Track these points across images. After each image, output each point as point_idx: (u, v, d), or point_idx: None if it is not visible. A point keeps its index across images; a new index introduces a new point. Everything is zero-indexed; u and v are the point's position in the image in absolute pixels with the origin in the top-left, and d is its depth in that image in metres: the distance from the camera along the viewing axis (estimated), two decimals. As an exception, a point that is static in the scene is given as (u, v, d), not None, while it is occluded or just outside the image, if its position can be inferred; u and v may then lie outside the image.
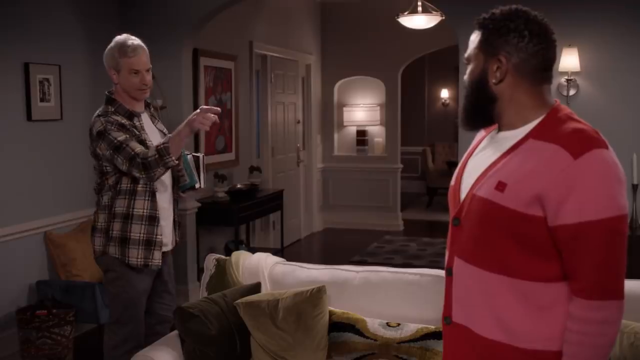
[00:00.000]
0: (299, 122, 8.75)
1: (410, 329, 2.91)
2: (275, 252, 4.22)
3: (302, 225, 8.86)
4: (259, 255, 3.46)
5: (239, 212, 6.12)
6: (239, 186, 6.56)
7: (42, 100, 4.85)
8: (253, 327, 3.04)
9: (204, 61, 6.22)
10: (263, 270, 3.34)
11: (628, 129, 4.91)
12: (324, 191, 9.56)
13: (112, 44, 3.35)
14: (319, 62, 9.35)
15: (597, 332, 1.60)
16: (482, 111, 1.79)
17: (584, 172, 1.58)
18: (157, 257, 3.35)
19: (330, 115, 9.55)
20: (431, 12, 7.15)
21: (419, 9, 7.21)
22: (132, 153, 3.17)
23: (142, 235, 3.29)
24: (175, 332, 3.10)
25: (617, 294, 1.60)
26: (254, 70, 7.49)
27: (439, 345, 2.81)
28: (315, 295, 3.05)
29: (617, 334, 1.64)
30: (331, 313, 3.04)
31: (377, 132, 9.60)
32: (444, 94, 13.32)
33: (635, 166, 4.72)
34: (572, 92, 4.93)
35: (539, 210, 1.62)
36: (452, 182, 1.89)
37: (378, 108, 9.53)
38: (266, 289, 3.28)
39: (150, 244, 3.32)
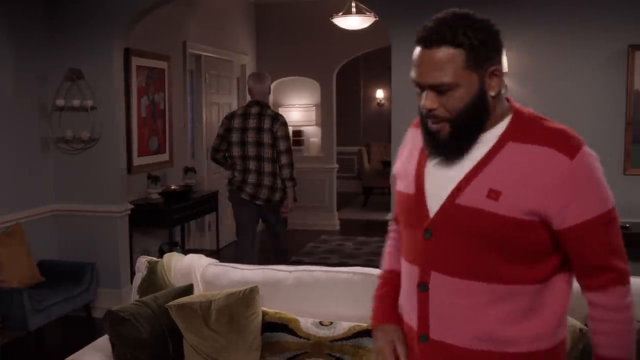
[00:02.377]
0: None
1: (343, 327, 2.93)
2: (211, 254, 4.18)
3: (238, 226, 8.80)
4: (192, 257, 3.43)
5: (173, 214, 6.05)
6: (173, 187, 6.48)
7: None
8: (185, 329, 3.01)
9: (135, 61, 6.13)
10: (195, 271, 3.31)
11: (553, 128, 5.06)
12: (260, 192, 9.52)
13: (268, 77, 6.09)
14: (254, 63, 9.32)
15: (629, 316, 1.63)
16: (478, 130, 1.64)
17: (581, 172, 1.57)
18: None
19: (265, 116, 9.53)
20: (365, 13, 7.23)
21: (353, 9, 7.28)
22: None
23: None
24: (106, 336, 3.05)
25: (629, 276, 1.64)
26: (188, 70, 7.42)
27: (371, 343, 2.83)
28: (248, 296, 3.04)
29: None
30: (264, 313, 3.04)
31: (312, 133, 9.63)
32: (379, 94, 13.46)
33: (560, 164, 4.86)
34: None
35: (537, 215, 1.58)
36: (411, 191, 1.75)
37: (313, 108, 9.57)
38: (199, 291, 3.25)
39: None
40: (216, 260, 3.44)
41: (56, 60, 5.48)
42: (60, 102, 5.39)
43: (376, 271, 3.15)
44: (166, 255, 3.44)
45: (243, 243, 5.63)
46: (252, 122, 5.47)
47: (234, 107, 8.72)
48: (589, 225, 1.57)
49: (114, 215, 5.55)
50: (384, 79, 12.56)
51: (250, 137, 5.45)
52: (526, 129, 1.63)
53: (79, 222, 5.59)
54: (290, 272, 3.24)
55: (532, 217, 1.58)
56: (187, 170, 6.89)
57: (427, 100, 1.61)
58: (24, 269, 4.90)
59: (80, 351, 2.99)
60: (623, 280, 1.61)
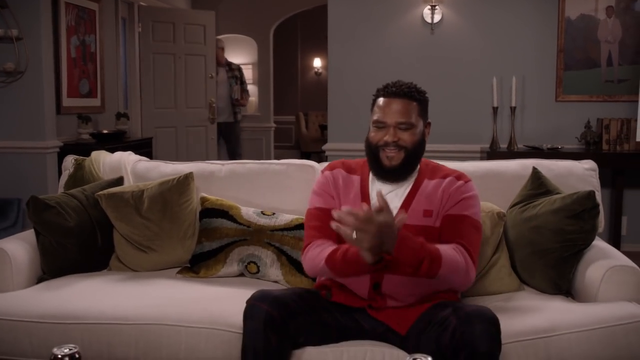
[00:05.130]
0: (211, 77, 8.48)
1: (285, 218, 2.86)
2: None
3: (174, 184, 8.61)
4: (121, 153, 3.31)
5: (105, 154, 5.85)
6: (105, 131, 6.29)
7: None
8: (116, 218, 2.90)
9: (64, -3, 5.91)
10: (125, 165, 3.20)
11: (487, 53, 5.10)
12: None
13: None
14: (189, 19, 9.13)
15: (461, 274, 2.23)
16: (418, 160, 2.37)
17: (469, 191, 2.32)
18: None
19: (202, 74, 9.36)
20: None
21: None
22: None
23: None
24: (32, 230, 2.90)
25: None
26: (120, 17, 7.20)
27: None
28: (182, 183, 2.95)
29: None
30: (204, 199, 2.95)
31: (249, 92, 9.50)
32: (317, 63, 13.40)
33: (495, 89, 4.91)
34: (436, 19, 5.06)
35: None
36: None
37: (250, 67, 9.45)
38: (129, 184, 3.14)
39: None
40: (147, 158, 3.33)
41: (-22, -12, 5.23)
42: (-18, 31, 5.15)
43: (311, 163, 3.12)
44: (94, 152, 3.32)
45: None
46: None
47: (170, 57, 8.53)
48: (461, 218, 2.26)
49: (42, 152, 5.34)
50: (322, 47, 12.52)
51: None
52: (433, 171, 2.40)
53: (4, 159, 5.35)
54: (223, 165, 3.16)
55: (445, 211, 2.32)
56: (120, 115, 6.70)
57: (391, 134, 2.28)
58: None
59: (4, 239, 2.84)
60: (470, 257, 2.20)
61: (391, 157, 2.29)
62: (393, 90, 2.31)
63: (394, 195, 2.33)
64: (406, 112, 2.29)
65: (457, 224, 2.26)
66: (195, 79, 8.09)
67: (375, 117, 2.33)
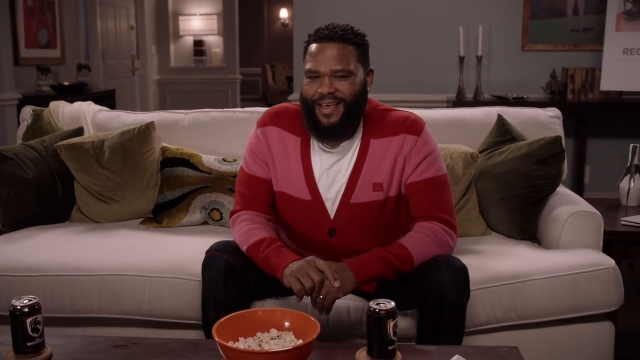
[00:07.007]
0: (132, 28, 8.33)
1: (246, 165, 2.83)
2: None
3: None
4: (80, 103, 3.23)
5: (67, 107, 5.73)
6: (66, 83, 6.15)
7: None
8: (76, 169, 2.84)
9: (19, -57, 5.71)
10: (86, 116, 3.13)
11: (454, 3, 5.05)
12: (162, 104, 9.21)
13: None
14: (151, -33, 8.91)
15: (435, 242, 2.05)
16: (360, 114, 2.06)
17: (425, 146, 2.07)
18: None
19: (165, 25, 9.16)
20: None
21: None
22: None
23: None
24: (-11, 182, 2.83)
25: None
26: (79, -36, 7.00)
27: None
28: (144, 132, 2.89)
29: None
30: (165, 149, 2.90)
31: (214, 43, 9.35)
32: (284, 13, 13.21)
33: (461, 39, 4.88)
34: (402, -33, 5.00)
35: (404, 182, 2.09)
36: (307, 197, 2.09)
37: (215, 17, 9.26)
38: (90, 134, 3.07)
39: None
40: (107, 108, 3.26)
41: None
42: None
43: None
44: (53, 103, 3.24)
45: None
46: None
47: (132, 12, 8.36)
48: (425, 183, 2.07)
49: (0, 105, 5.20)
50: (288, -5, 12.33)
51: None
52: (380, 124, 2.09)
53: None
54: (186, 114, 3.11)
55: (402, 186, 2.10)
56: (82, 67, 6.55)
57: (327, 85, 1.98)
58: None
59: (-41, 192, 2.76)
60: (447, 226, 2.05)
61: (329, 114, 2.00)
62: (326, 34, 2.01)
63: (339, 169, 2.09)
64: (342, 57, 1.99)
65: (423, 192, 2.07)
66: (122, 31, 8.16)
67: (307, 67, 2.02)
